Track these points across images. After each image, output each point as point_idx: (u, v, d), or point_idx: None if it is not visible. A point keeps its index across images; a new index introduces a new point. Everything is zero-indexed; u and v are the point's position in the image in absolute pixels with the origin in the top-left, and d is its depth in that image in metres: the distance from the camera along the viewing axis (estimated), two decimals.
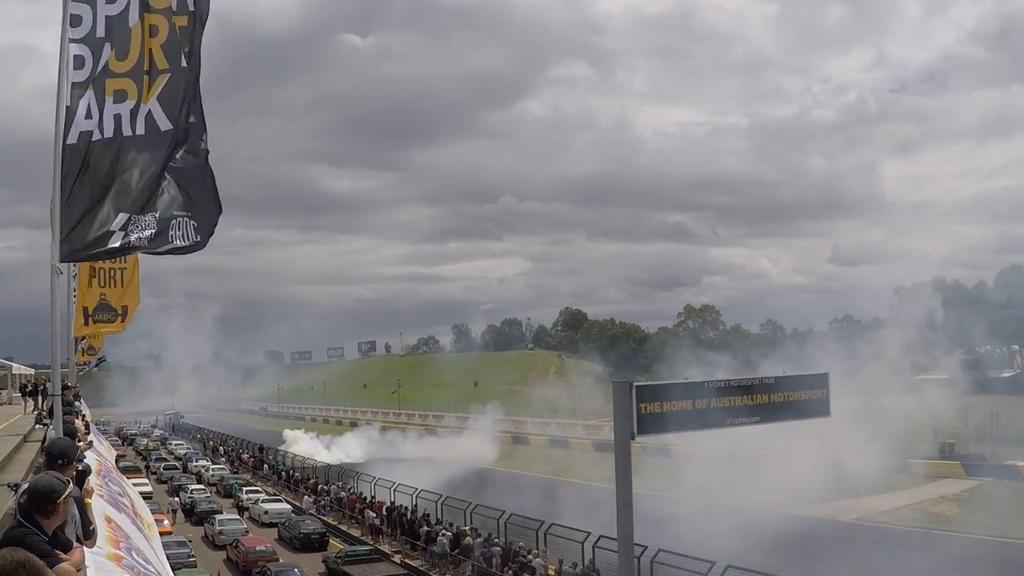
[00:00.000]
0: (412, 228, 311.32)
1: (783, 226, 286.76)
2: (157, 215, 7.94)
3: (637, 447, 22.52)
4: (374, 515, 49.34)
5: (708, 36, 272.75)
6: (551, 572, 35.17)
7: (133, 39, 7.82)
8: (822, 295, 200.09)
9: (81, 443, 11.72)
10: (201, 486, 66.86)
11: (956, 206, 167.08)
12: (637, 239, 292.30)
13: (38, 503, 4.98)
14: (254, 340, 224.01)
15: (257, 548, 42.56)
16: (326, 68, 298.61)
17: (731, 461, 58.02)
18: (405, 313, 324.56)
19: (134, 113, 7.79)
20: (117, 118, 7.75)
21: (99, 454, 18.53)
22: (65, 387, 13.38)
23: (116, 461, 35.95)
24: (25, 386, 36.89)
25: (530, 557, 35.99)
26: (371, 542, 46.84)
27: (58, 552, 4.93)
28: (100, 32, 7.78)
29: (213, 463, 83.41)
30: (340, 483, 61.81)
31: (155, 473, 77.57)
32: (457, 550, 39.89)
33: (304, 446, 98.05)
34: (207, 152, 8.06)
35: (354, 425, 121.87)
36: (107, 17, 7.80)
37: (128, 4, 7.83)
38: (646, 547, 27.81)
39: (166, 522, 47.43)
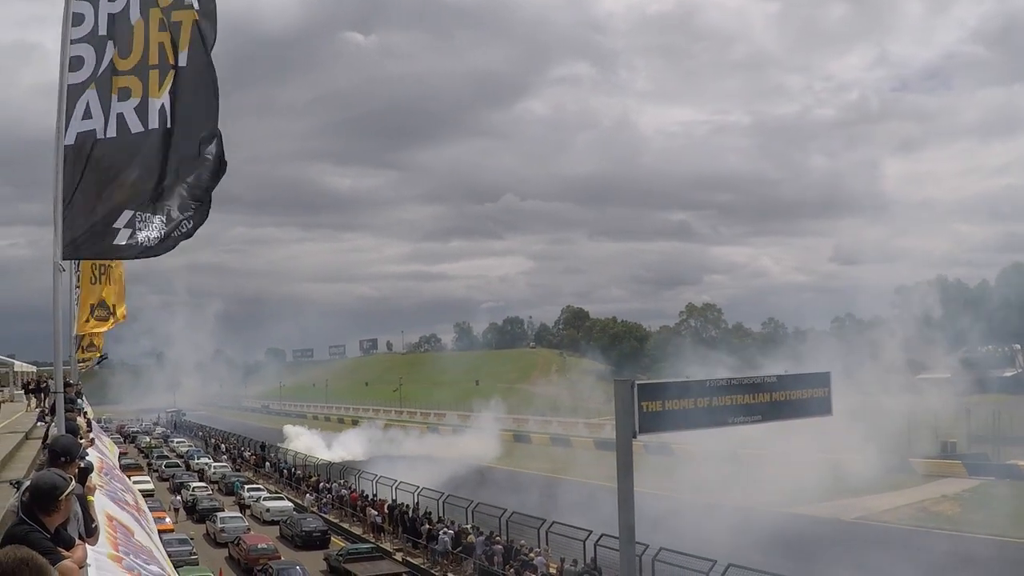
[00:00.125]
0: (414, 226, 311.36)
1: (785, 225, 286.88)
2: (164, 217, 7.94)
3: (639, 445, 22.50)
4: (376, 513, 49.37)
5: (710, 35, 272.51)
6: (553, 570, 35.18)
7: (136, 36, 7.81)
8: (824, 294, 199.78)
9: (83, 440, 11.75)
10: (203, 484, 66.92)
11: (958, 205, 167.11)
12: (639, 238, 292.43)
13: (40, 500, 4.99)
14: (256, 338, 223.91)
15: (259, 546, 42.60)
16: (328, 67, 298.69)
17: (732, 460, 58.06)
18: (407, 311, 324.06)
19: (139, 110, 7.79)
20: (121, 116, 7.75)
21: (101, 452, 18.56)
22: (67, 384, 13.40)
23: (118, 459, 36.05)
24: (28, 384, 36.94)
25: (532, 555, 36.02)
26: (373, 540, 46.88)
27: (60, 549, 4.94)
28: (102, 30, 7.78)
29: (215, 461, 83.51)
30: (342, 481, 61.85)
31: (157, 471, 77.65)
32: (459, 548, 39.93)
33: (304, 441, 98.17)
34: (216, 150, 8.04)
35: (355, 423, 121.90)
36: (109, 15, 7.79)
37: (129, 1, 7.83)
38: (647, 545, 27.82)
39: (168, 520, 47.52)
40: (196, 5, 7.90)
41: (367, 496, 53.87)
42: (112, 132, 7.73)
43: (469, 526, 42.09)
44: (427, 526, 43.65)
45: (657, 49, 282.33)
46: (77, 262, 19.88)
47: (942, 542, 44.19)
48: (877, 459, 59.10)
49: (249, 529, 48.64)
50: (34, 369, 51.85)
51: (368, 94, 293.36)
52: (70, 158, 7.68)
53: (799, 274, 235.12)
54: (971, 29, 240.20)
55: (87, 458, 8.96)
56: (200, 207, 8.03)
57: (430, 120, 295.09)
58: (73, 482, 5.30)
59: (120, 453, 61.89)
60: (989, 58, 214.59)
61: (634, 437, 19.86)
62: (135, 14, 7.80)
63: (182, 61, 7.87)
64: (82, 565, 5.26)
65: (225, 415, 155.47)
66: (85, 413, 22.77)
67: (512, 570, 36.02)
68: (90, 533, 6.45)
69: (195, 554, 40.37)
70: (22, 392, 37.96)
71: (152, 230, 7.90)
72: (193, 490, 61.67)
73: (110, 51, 7.77)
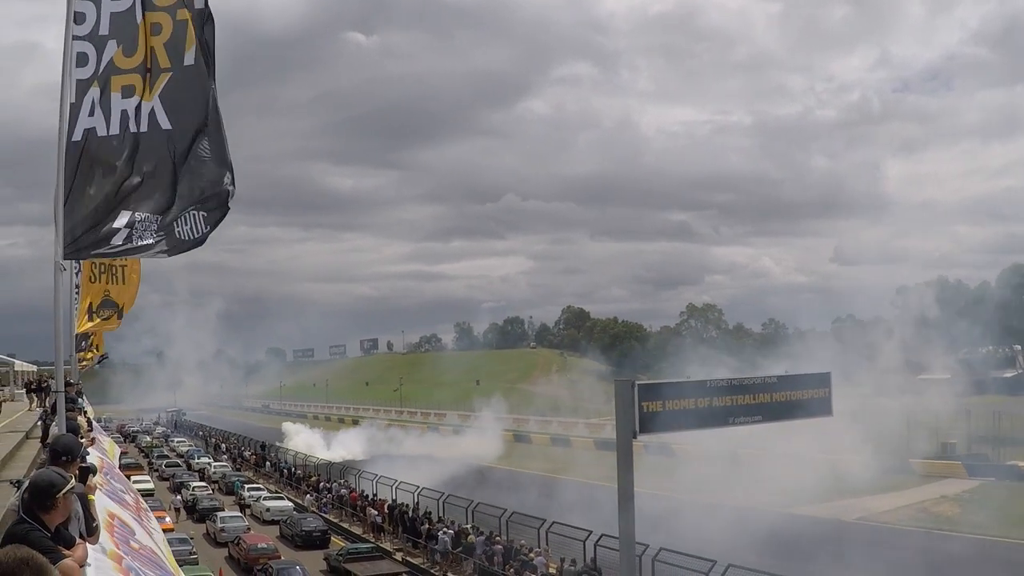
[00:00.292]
0: (415, 226, 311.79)
1: (786, 225, 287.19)
2: (160, 218, 7.93)
3: (639, 445, 22.50)
4: (376, 513, 49.38)
5: (711, 35, 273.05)
6: (552, 570, 35.20)
7: (140, 36, 7.82)
8: (824, 294, 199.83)
9: (84, 440, 11.75)
10: (203, 483, 66.93)
11: (959, 206, 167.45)
12: (640, 238, 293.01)
13: (38, 498, 5.00)
14: (256, 337, 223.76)
15: (259, 546, 42.62)
16: (329, 66, 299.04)
17: (732, 460, 58.04)
18: (407, 311, 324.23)
19: (138, 110, 7.79)
20: (124, 114, 7.75)
21: (102, 451, 18.56)
22: (68, 384, 13.39)
23: (119, 458, 36.00)
24: (30, 383, 36.97)
25: (531, 555, 36.03)
26: (373, 540, 46.89)
27: (61, 548, 4.94)
28: (104, 30, 7.78)
29: (215, 460, 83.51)
30: (342, 480, 61.86)
31: (157, 470, 77.65)
32: (459, 548, 39.94)
33: (304, 438, 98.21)
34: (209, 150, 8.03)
35: (356, 423, 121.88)
36: (112, 14, 7.80)
37: (134, 1, 7.83)
38: (647, 546, 27.82)
39: (168, 519, 47.50)
40: (197, 4, 7.90)
41: (367, 496, 53.86)
42: (114, 130, 7.74)
43: (469, 526, 42.10)
44: (427, 526, 43.65)
45: (659, 49, 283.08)
46: (78, 261, 19.89)
47: (942, 543, 44.15)
48: (877, 460, 59.05)
49: (249, 529, 48.66)
50: (35, 368, 51.93)
51: (369, 94, 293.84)
52: (72, 156, 7.68)
53: (800, 275, 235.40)
54: (972, 30, 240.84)
55: (88, 458, 8.97)
56: (210, 213, 8.03)
57: (431, 120, 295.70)
58: (72, 480, 5.30)
59: (120, 452, 61.87)
60: (990, 59, 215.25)
61: (634, 437, 19.87)
62: (139, 14, 7.80)
63: (188, 60, 7.87)
64: (83, 564, 5.26)
65: (225, 415, 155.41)
66: (85, 412, 22.76)
67: (512, 570, 36.03)
68: (91, 532, 6.45)
69: (195, 553, 40.38)
70: (23, 391, 38.02)
71: (151, 229, 7.89)
72: (193, 490, 61.67)
73: (111, 50, 7.77)
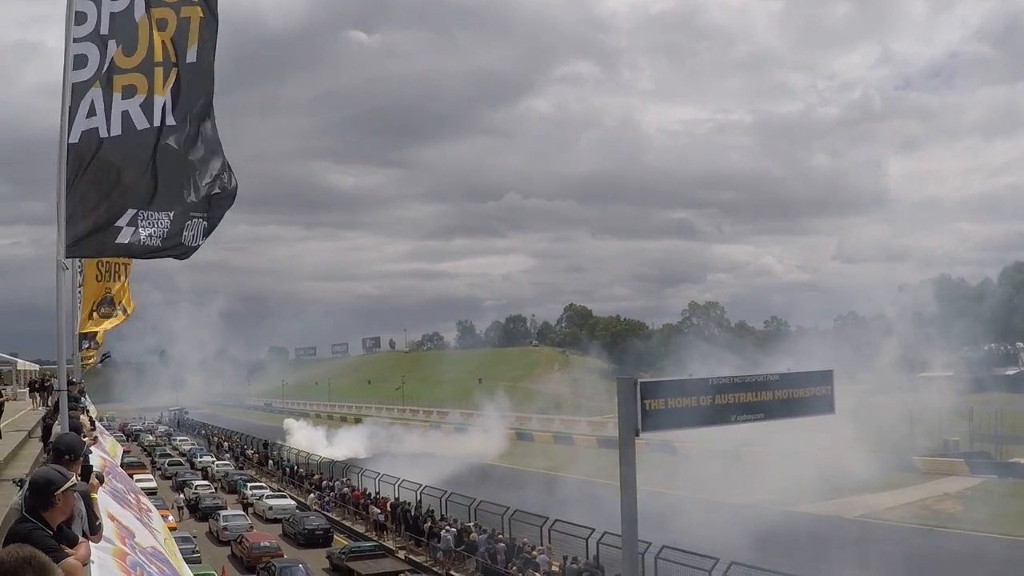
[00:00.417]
0: (416, 225, 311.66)
1: (788, 223, 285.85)
2: (172, 214, 7.95)
3: (640, 443, 22.51)
4: (378, 511, 49.40)
5: (713, 34, 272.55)
6: (555, 568, 35.24)
7: (140, 33, 7.81)
8: (826, 292, 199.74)
9: (86, 438, 11.76)
10: (206, 482, 67.01)
11: (961, 203, 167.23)
12: (642, 236, 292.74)
13: (37, 496, 5.00)
14: (258, 336, 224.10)
15: (261, 544, 42.68)
16: (331, 65, 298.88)
17: (734, 457, 58.05)
18: (409, 309, 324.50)
19: (144, 107, 7.79)
20: (126, 114, 7.75)
21: (103, 451, 18.57)
22: (70, 383, 13.41)
23: (121, 458, 35.99)
24: (33, 382, 37.00)
25: (534, 553, 36.07)
26: (375, 538, 46.94)
27: (63, 547, 4.95)
28: (105, 29, 7.77)
29: (218, 459, 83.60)
30: (344, 479, 61.90)
31: (160, 469, 77.74)
32: (461, 546, 39.97)
33: (305, 435, 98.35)
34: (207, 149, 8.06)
35: (358, 421, 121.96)
36: (112, 14, 7.78)
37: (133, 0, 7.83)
38: (650, 544, 27.84)
39: (171, 518, 47.50)
40: (201, 2, 7.91)
41: (370, 494, 53.90)
42: (116, 130, 7.73)
43: (471, 524, 42.13)
44: (429, 524, 43.69)
45: (660, 48, 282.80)
46: (80, 260, 19.91)
47: (943, 540, 44.17)
48: (879, 457, 59.08)
49: (252, 527, 48.69)
50: (37, 367, 51.94)
51: (371, 93, 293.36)
52: (73, 156, 7.68)
53: (802, 272, 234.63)
54: (974, 28, 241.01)
55: (91, 458, 8.98)
56: (211, 212, 8.06)
57: (433, 119, 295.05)
58: (72, 478, 5.30)
59: (123, 451, 61.86)
60: (992, 56, 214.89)
61: (637, 435, 19.90)
62: (139, 12, 7.80)
63: (190, 57, 7.88)
64: (85, 563, 5.27)
65: (228, 413, 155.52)
66: (87, 411, 22.78)
67: (515, 568, 36.06)
68: (94, 531, 6.46)
69: (198, 552, 40.39)
70: (26, 391, 38.04)
71: (156, 229, 7.90)
72: (196, 488, 61.72)
73: (112, 50, 7.76)
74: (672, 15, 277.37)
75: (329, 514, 54.27)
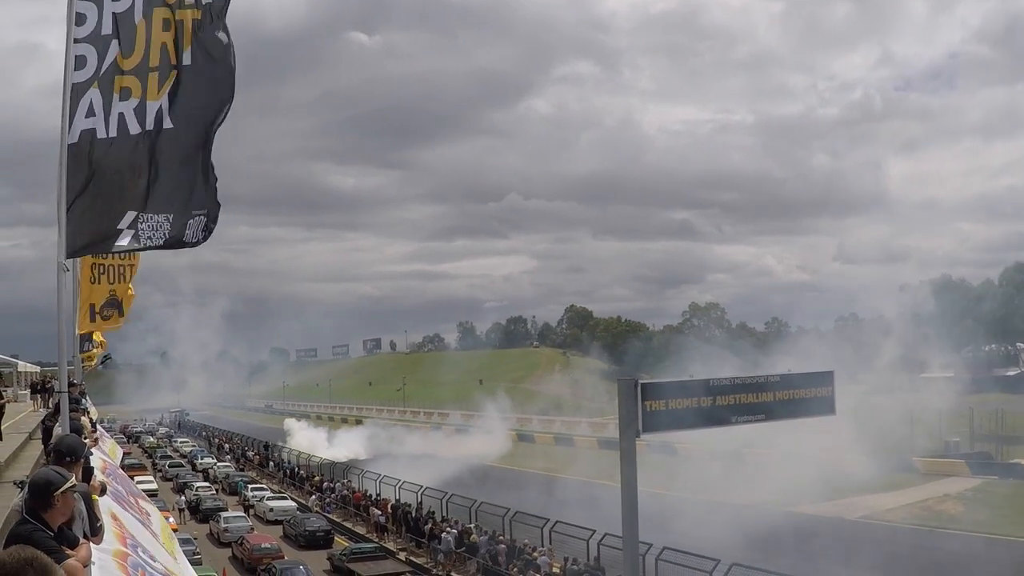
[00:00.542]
0: (417, 226, 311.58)
1: (788, 224, 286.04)
2: (172, 216, 7.96)
3: (641, 444, 22.48)
4: (379, 513, 49.40)
5: (713, 34, 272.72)
6: (556, 569, 35.26)
7: (139, 36, 7.82)
8: (827, 293, 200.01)
9: (87, 440, 11.77)
10: (207, 483, 67.03)
11: (961, 204, 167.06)
12: (642, 237, 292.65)
13: (37, 497, 5.01)
14: (259, 337, 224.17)
15: (262, 545, 42.69)
16: (332, 66, 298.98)
17: (735, 458, 58.04)
18: (410, 311, 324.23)
19: (138, 111, 7.79)
20: (121, 117, 7.76)
21: (104, 452, 18.58)
22: (71, 384, 13.42)
23: (121, 460, 35.94)
24: (35, 384, 37.02)
25: (535, 555, 36.08)
26: (376, 540, 46.94)
27: (64, 548, 4.96)
28: (106, 30, 7.78)
29: (218, 461, 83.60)
30: (345, 480, 61.89)
31: (160, 471, 77.75)
32: (462, 548, 39.96)
33: (306, 435, 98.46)
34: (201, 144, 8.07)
35: (359, 422, 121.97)
36: (114, 14, 7.79)
37: (134, 1, 7.84)
38: (651, 545, 27.85)
39: (171, 520, 47.49)
40: (199, 5, 7.91)
41: (371, 495, 53.90)
42: (112, 132, 7.74)
43: (472, 525, 42.14)
44: (430, 525, 43.69)
45: (661, 48, 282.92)
46: (78, 260, 19.91)
47: (945, 541, 44.15)
48: (879, 458, 59.07)
49: (253, 529, 48.70)
50: (38, 369, 51.93)
51: (371, 93, 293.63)
52: (73, 157, 7.69)
53: (802, 273, 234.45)
54: (974, 28, 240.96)
55: (91, 460, 8.99)
56: (211, 210, 8.08)
57: (433, 119, 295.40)
58: (72, 479, 5.31)
59: (124, 453, 61.77)
60: (992, 57, 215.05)
61: (638, 436, 19.88)
62: (139, 14, 7.81)
63: (186, 60, 7.89)
64: (86, 564, 5.28)
65: (228, 415, 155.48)
66: (87, 413, 22.78)
67: (516, 569, 36.06)
68: (95, 532, 6.47)
69: (199, 554, 40.36)
70: (27, 392, 38.04)
71: (157, 232, 7.91)
72: (197, 490, 61.73)
73: (113, 51, 7.76)
74: (673, 15, 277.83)
75: (330, 516, 54.28)
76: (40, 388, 33.89)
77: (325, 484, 62.36)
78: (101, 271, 21.85)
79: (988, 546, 42.62)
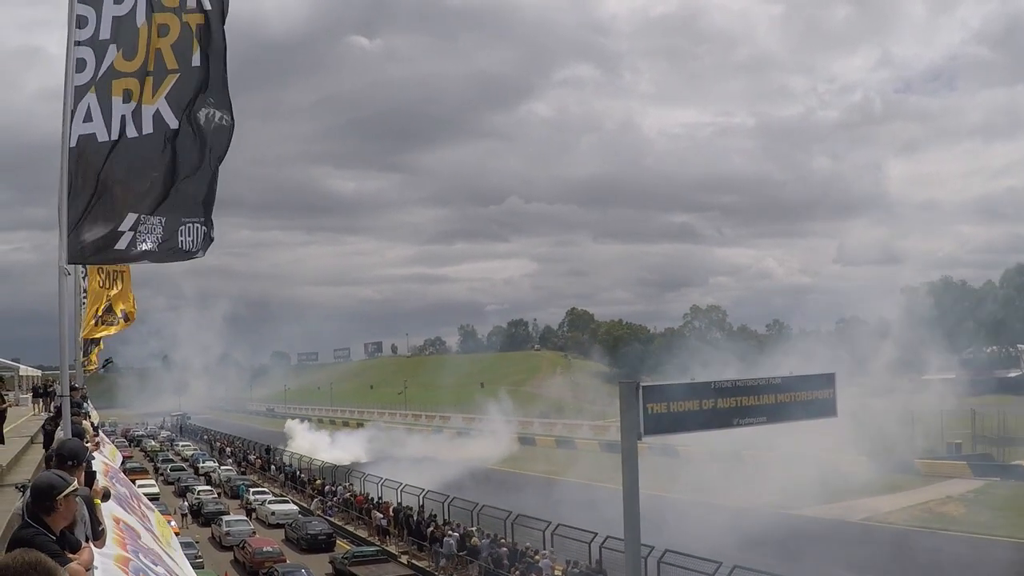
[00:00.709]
0: (418, 229, 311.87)
1: (789, 226, 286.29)
2: (164, 220, 7.97)
3: (642, 446, 22.48)
4: (381, 516, 49.36)
5: (713, 37, 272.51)
6: (558, 572, 35.24)
7: (140, 39, 7.83)
8: (828, 295, 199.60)
9: (89, 444, 11.77)
10: (208, 487, 67.00)
11: (962, 206, 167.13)
12: (643, 240, 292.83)
13: (39, 500, 5.00)
14: (260, 341, 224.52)
15: (264, 549, 42.68)
16: (333, 70, 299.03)
17: (736, 461, 58.02)
18: (411, 314, 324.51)
19: (137, 114, 7.80)
20: (123, 119, 7.76)
21: (105, 456, 18.59)
22: (73, 388, 13.42)
23: (122, 463, 35.93)
24: (36, 388, 37.02)
25: (537, 557, 36.05)
26: (378, 543, 46.90)
27: (66, 552, 4.95)
28: (105, 34, 7.79)
29: (220, 464, 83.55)
30: (347, 483, 61.87)
31: (162, 474, 77.72)
32: (464, 551, 39.93)
33: (308, 438, 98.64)
34: (218, 155, 8.08)
35: (360, 426, 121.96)
36: (114, 18, 7.80)
37: (135, 4, 7.84)
38: (652, 547, 27.85)
39: (173, 523, 47.46)
40: (207, 5, 7.92)
41: (372, 499, 53.88)
42: (115, 135, 7.75)
43: (474, 528, 42.11)
44: (432, 528, 43.66)
45: (661, 51, 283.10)
46: (84, 267, 19.95)
47: (946, 543, 44.09)
48: (881, 460, 59.06)
49: (255, 532, 48.71)
50: (39, 373, 51.91)
51: (372, 97, 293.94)
52: (74, 161, 7.69)
53: (803, 275, 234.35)
54: (974, 30, 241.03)
55: (93, 463, 8.99)
56: (207, 217, 8.09)
57: (434, 123, 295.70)
58: (74, 483, 5.31)
59: (124, 457, 61.76)
60: (992, 59, 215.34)
61: (639, 439, 19.87)
62: (140, 18, 7.82)
63: (195, 62, 7.90)
64: (88, 568, 5.27)
65: (230, 419, 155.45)
66: (88, 416, 22.80)
67: (518, 572, 36.02)
68: (97, 536, 6.46)
69: (200, 557, 40.35)
70: (28, 396, 38.02)
71: (152, 235, 7.92)
72: (199, 494, 61.70)
73: (111, 54, 7.77)
74: (673, 18, 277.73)
75: (332, 519, 54.27)
76: (42, 392, 33.86)
77: (327, 487, 62.33)
78: (104, 275, 21.91)
79: (990, 548, 42.57)
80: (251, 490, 64.33)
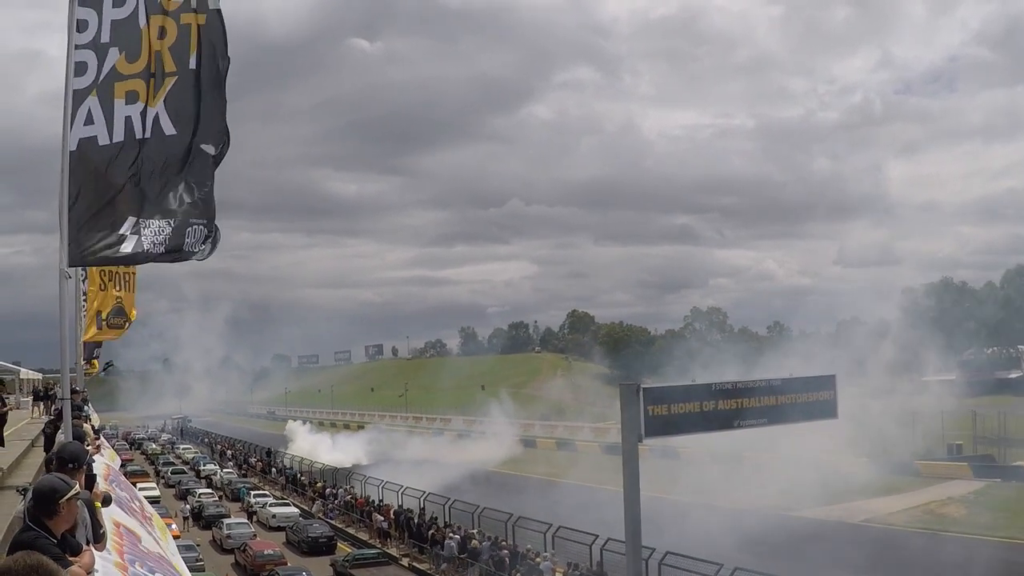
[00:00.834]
0: (418, 232, 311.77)
1: (789, 227, 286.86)
2: (173, 221, 7.97)
3: (643, 448, 22.49)
4: (382, 518, 49.36)
5: (713, 38, 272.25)
6: (558, 575, 35.22)
7: (143, 41, 7.83)
8: (828, 296, 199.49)
9: (90, 447, 11.77)
10: (209, 490, 66.97)
11: (962, 207, 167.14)
12: (643, 242, 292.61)
13: (41, 504, 5.01)
14: (261, 344, 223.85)
15: (265, 552, 42.65)
16: (333, 72, 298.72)
17: (737, 462, 57.99)
18: (412, 317, 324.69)
19: (143, 115, 7.81)
20: (128, 120, 7.76)
21: (105, 459, 18.60)
22: (74, 391, 13.42)
23: (123, 466, 35.91)
24: (37, 391, 37.02)
25: (538, 560, 36.04)
26: (379, 545, 46.89)
27: (67, 555, 4.96)
28: (105, 37, 7.79)
29: (221, 467, 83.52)
30: (348, 486, 61.86)
31: (163, 477, 77.67)
32: (465, 553, 39.93)
33: (309, 439, 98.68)
34: (218, 157, 8.08)
35: (361, 428, 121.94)
36: (113, 21, 7.81)
37: (136, 7, 7.84)
38: (653, 549, 27.84)
39: (174, 526, 47.48)
40: (203, 8, 7.92)
41: (373, 501, 53.87)
42: (118, 137, 7.75)
43: (475, 531, 42.10)
44: (433, 531, 43.65)
45: (661, 53, 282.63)
46: (84, 270, 19.97)
47: (948, 545, 44.06)
48: (882, 461, 59.04)
49: (255, 535, 48.69)
50: (40, 376, 51.96)
51: (372, 99, 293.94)
52: (74, 164, 7.70)
53: (803, 277, 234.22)
54: (974, 31, 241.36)
55: (94, 466, 8.99)
56: (210, 220, 8.09)
57: (434, 125, 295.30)
58: (76, 486, 5.31)
59: (124, 460, 61.73)
60: (992, 60, 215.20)
61: (640, 441, 19.88)
62: (142, 20, 7.82)
63: (192, 64, 7.90)
64: (89, 571, 5.28)
65: (231, 421, 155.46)
66: (89, 420, 22.80)
67: (518, 575, 36.02)
68: (98, 539, 6.47)
69: (201, 560, 40.35)
70: (28, 399, 38.03)
71: (158, 236, 7.92)
72: (199, 497, 61.66)
73: (113, 57, 7.78)
74: (673, 20, 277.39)
75: (332, 521, 54.26)
76: (42, 395, 33.87)
77: (328, 490, 62.31)
78: (108, 278, 21.92)
79: (990, 549, 42.54)
80: (252, 493, 64.31)
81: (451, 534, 42.03)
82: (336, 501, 58.71)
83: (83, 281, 21.83)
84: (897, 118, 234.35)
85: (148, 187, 7.84)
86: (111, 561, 7.04)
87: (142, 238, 7.85)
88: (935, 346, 79.76)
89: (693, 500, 50.74)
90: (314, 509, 59.19)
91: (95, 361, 32.23)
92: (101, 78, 7.76)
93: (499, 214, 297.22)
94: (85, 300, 22.43)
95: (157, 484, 67.82)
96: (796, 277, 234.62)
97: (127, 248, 7.87)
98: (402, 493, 51.43)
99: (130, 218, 7.83)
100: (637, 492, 19.75)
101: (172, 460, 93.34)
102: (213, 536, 50.94)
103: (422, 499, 48.99)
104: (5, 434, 19.29)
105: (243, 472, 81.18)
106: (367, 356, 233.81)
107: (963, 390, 76.35)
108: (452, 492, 51.32)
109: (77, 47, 7.76)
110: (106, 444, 27.22)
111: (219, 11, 7.95)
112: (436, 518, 45.84)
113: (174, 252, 8.07)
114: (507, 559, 37.23)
